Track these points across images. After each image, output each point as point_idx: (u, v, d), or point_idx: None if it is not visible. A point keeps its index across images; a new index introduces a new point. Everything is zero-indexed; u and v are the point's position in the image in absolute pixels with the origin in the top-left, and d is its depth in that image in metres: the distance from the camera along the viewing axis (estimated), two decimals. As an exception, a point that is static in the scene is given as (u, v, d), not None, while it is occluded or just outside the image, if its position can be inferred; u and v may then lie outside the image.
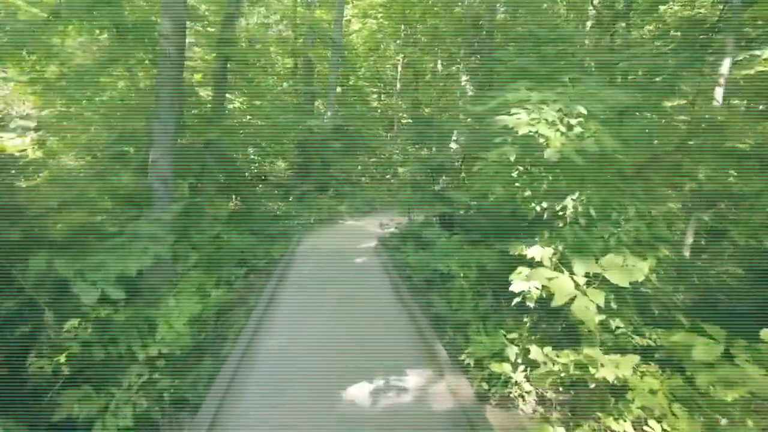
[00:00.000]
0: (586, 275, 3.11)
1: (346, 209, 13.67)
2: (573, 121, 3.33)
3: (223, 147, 7.37)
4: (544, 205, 3.98)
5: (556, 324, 4.30)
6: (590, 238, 3.71)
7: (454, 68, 18.63)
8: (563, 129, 3.30)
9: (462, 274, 5.77)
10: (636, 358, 3.23)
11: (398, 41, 24.52)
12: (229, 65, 8.85)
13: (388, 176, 19.23)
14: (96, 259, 2.85)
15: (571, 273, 3.52)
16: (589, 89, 3.90)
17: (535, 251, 3.83)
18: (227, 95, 9.22)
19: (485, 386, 4.13)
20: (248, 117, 9.57)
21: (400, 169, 19.76)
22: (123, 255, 3.05)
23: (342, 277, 7.08)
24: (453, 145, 12.68)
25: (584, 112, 3.39)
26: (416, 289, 7.04)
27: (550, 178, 4.10)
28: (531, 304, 3.92)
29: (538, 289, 3.66)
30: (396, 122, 24.42)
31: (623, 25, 8.98)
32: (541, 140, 3.31)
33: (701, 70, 5.80)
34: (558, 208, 3.92)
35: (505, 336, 4.40)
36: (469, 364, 4.40)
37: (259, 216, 9.10)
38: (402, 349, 4.70)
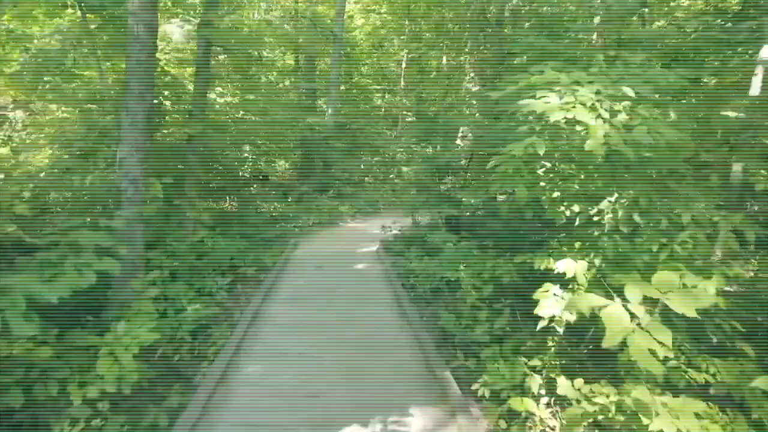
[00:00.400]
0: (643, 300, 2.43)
1: (347, 211, 13.02)
2: (618, 106, 2.65)
3: (209, 144, 6.75)
4: (576, 208, 3.30)
5: (588, 349, 3.62)
6: (634, 250, 3.03)
7: (462, 58, 17.87)
8: (605, 114, 2.62)
9: (473, 286, 5.10)
10: (700, 406, 2.55)
11: (402, 37, 23.87)
12: (221, 57, 8.25)
13: (391, 176, 18.56)
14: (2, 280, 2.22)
15: (607, 293, 2.85)
16: (631, 69, 3.22)
17: (566, 265, 3.15)
18: (218, 89, 8.60)
19: (503, 425, 3.46)
20: (241, 112, 8.94)
21: (404, 169, 19.11)
22: (50, 274, 2.42)
23: (338, 288, 6.42)
24: (459, 143, 12.02)
25: (631, 94, 2.71)
26: (421, 300, 6.38)
27: (582, 176, 3.42)
28: (560, 329, 3.25)
29: (571, 313, 2.99)
30: (400, 120, 23.75)
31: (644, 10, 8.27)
32: (579, 129, 2.63)
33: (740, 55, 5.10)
34: (593, 212, 3.24)
35: (526, 364, 3.73)
36: (483, 396, 3.74)
37: (253, 218, 8.47)
38: (404, 379, 4.03)
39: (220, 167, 7.23)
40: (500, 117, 7.80)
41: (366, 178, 17.39)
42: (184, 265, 5.46)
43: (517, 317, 4.58)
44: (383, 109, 25.26)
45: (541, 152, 2.77)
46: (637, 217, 3.01)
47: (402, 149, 18.36)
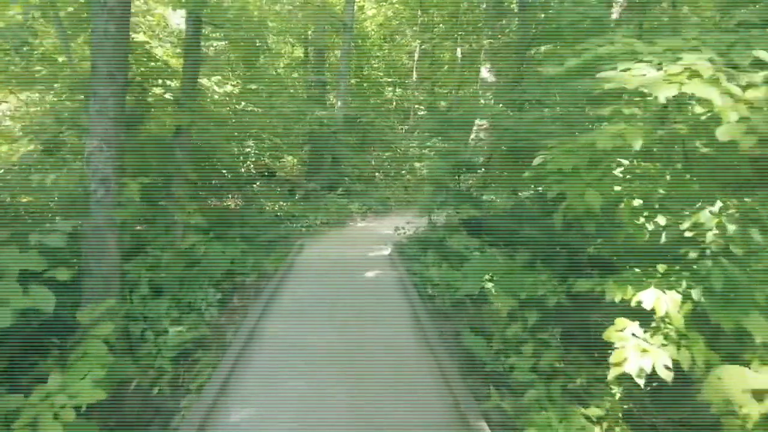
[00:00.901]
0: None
1: (357, 209, 12.25)
2: (757, 77, 1.82)
3: (204, 137, 6.02)
4: (661, 221, 2.48)
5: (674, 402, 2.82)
6: (752, 279, 2.21)
7: (477, 46, 16.92)
8: (735, 90, 1.80)
9: (505, 306, 4.29)
10: None
11: (415, 28, 22.96)
12: (220, 43, 7.52)
13: (403, 172, 17.74)
14: None
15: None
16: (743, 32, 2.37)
17: (652, 298, 2.34)
18: (217, 77, 7.86)
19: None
20: (243, 104, 8.21)
21: (417, 165, 18.27)
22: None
23: (347, 302, 5.64)
24: (474, 137, 11.17)
25: None
26: (441, 314, 5.60)
27: (668, 177, 2.58)
28: (641, 382, 2.44)
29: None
30: (412, 114, 22.89)
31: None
32: (700, 109, 1.81)
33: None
34: (686, 226, 2.42)
35: (585, 417, 2.93)
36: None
37: (255, 219, 7.75)
38: (427, 425, 3.26)
39: (218, 163, 6.51)
40: (524, 106, 6.96)
41: (377, 174, 16.58)
42: (170, 277, 4.74)
43: (564, 346, 3.77)
44: (394, 103, 24.40)
45: (637, 145, 1.95)
46: (757, 235, 2.18)
47: (415, 144, 17.51)
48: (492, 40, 10.90)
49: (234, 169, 7.85)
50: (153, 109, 5.00)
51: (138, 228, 4.94)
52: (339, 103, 14.74)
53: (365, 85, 24.12)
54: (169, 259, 4.78)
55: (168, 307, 4.32)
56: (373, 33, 23.81)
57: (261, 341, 4.43)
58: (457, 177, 8.06)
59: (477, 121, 10.73)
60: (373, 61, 24.56)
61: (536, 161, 3.02)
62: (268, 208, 9.88)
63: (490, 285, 5.20)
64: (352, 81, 21.26)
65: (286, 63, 21.49)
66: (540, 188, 4.96)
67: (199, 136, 6.09)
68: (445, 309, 5.74)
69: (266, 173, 12.80)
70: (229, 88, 7.92)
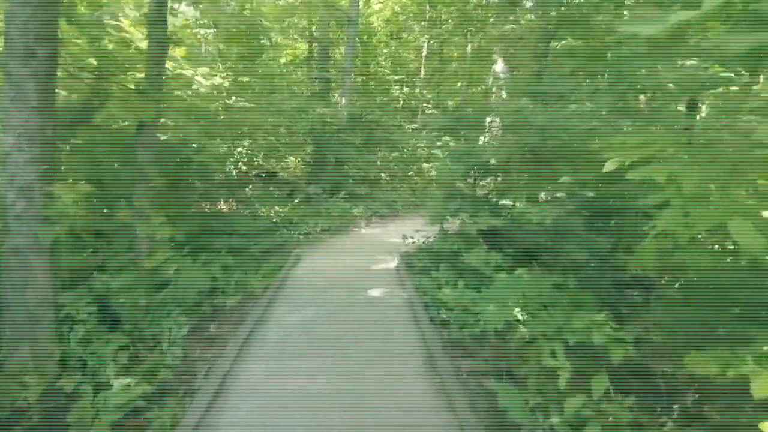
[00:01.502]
0: None
1: (360, 213, 11.34)
2: None
3: (180, 135, 5.15)
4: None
5: None
6: None
7: (488, 40, 15.98)
8: None
9: (544, 353, 3.34)
10: None
11: (423, 23, 22.04)
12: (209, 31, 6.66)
13: (410, 173, 16.81)
14: None
15: None
16: None
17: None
18: (204, 69, 6.97)
19: None
20: (233, 98, 7.33)
21: (425, 165, 17.34)
22: None
23: (344, 335, 4.70)
24: (489, 136, 10.22)
25: None
26: (459, 346, 4.68)
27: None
28: None
29: None
30: (420, 112, 21.95)
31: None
32: None
33: None
34: None
35: None
36: None
37: (246, 227, 6.86)
38: None
39: (199, 165, 5.62)
40: (552, 101, 5.99)
41: (383, 175, 15.65)
42: (128, 307, 3.84)
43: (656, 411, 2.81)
44: (401, 101, 23.47)
45: None
46: None
47: (423, 144, 16.55)
48: (513, 26, 9.91)
49: (221, 172, 6.96)
50: (112, 100, 4.11)
51: (86, 246, 4.06)
52: (343, 100, 13.84)
53: (371, 83, 23.23)
54: (126, 283, 3.88)
55: (119, 347, 3.42)
56: (379, 29, 22.92)
57: (235, 392, 3.51)
58: (473, 181, 7.11)
59: (490, 119, 9.78)
60: (380, 58, 23.67)
61: (609, 166, 2.10)
62: (263, 213, 8.99)
63: (522, 316, 4.28)
64: (358, 79, 20.40)
65: (290, 59, 20.68)
66: (590, 194, 4.01)
67: (174, 133, 5.21)
68: (463, 341, 4.81)
69: (264, 175, 11.93)
70: (218, 80, 7.02)
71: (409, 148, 17.04)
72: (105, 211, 4.33)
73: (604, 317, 3.10)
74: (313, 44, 18.80)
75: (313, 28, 18.83)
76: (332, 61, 18.13)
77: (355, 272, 7.03)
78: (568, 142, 4.84)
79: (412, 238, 8.21)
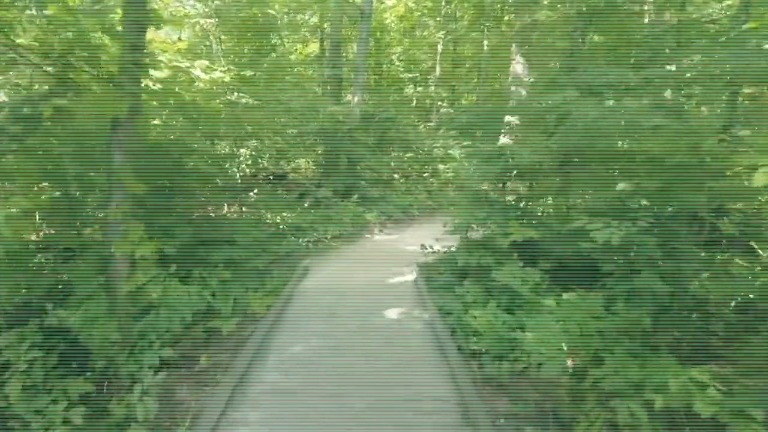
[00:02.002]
0: None
1: (374, 218, 10.58)
2: None
3: (168, 135, 4.46)
4: None
5: None
6: None
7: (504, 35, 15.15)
8: None
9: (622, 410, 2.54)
10: None
11: (438, 19, 21.24)
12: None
13: (425, 174, 16.02)
14: None
15: None
16: None
17: None
18: (203, 62, 6.29)
19: None
20: (235, 93, 6.64)
21: (441, 166, 16.55)
22: None
23: (356, 374, 3.93)
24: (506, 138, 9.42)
25: None
26: (495, 386, 3.92)
27: None
28: None
29: None
30: (435, 112, 21.14)
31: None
32: None
33: None
34: None
35: None
36: None
37: (249, 236, 6.15)
38: None
39: (192, 168, 4.94)
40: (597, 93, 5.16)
41: (395, 176, 14.87)
42: (97, 342, 3.15)
43: None
44: (415, 100, 22.67)
45: None
46: None
47: (440, 144, 15.75)
48: (549, 12, 9.07)
49: (220, 176, 6.25)
50: (84, 94, 3.44)
51: (42, 270, 3.37)
52: (355, 98, 13.10)
53: (384, 84, 22.48)
54: (94, 313, 3.19)
55: (79, 397, 2.72)
56: (393, 26, 22.17)
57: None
58: (502, 185, 6.31)
59: (510, 119, 8.98)
60: (393, 56, 22.91)
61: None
62: (269, 220, 8.30)
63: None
64: (370, 77, 19.68)
65: (302, 58, 20.07)
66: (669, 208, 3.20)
67: (162, 133, 4.53)
68: (499, 377, 4.03)
69: (272, 177, 11.26)
70: (218, 74, 6.33)
71: (425, 148, 16.25)
72: (78, 224, 3.66)
73: (708, 374, 2.29)
74: (325, 42, 18.18)
75: (325, 25, 18.17)
76: (344, 59, 17.43)
77: (369, 288, 6.27)
78: (631, 141, 4.02)
79: (432, 248, 7.42)
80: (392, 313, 5.35)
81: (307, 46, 20.51)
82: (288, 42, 16.95)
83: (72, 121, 3.45)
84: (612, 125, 4.21)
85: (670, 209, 4.05)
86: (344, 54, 18.10)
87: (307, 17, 19.62)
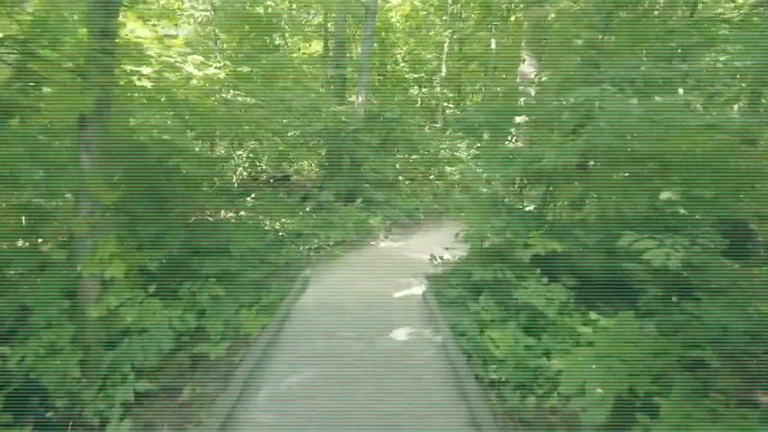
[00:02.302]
0: None
1: (378, 224, 10.07)
2: None
3: (151, 134, 3.97)
4: None
5: None
6: None
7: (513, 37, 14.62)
8: None
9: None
10: None
11: (444, 18, 20.74)
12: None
13: (431, 176, 15.52)
14: None
15: None
16: None
17: None
18: (198, 57, 5.80)
19: None
20: (231, 91, 6.16)
21: (448, 168, 16.04)
22: None
23: (359, 415, 3.41)
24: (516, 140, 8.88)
25: None
26: (520, 424, 3.41)
27: None
28: None
29: None
30: (440, 112, 20.63)
31: None
32: None
33: None
34: None
35: None
36: None
37: (244, 244, 5.65)
38: None
39: (178, 171, 4.44)
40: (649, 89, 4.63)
41: (400, 178, 14.35)
42: (56, 377, 2.66)
43: None
44: (419, 101, 22.15)
45: None
46: None
47: (446, 144, 15.22)
48: (570, 2, 8.54)
49: (212, 178, 5.75)
50: (46, 85, 2.96)
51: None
52: (360, 98, 12.60)
53: (389, 85, 21.96)
54: (52, 345, 2.69)
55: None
56: (398, 25, 21.69)
57: None
58: (520, 190, 5.78)
59: (518, 118, 8.44)
60: (398, 56, 22.42)
61: None
62: (267, 226, 7.80)
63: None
64: (375, 77, 19.18)
65: (305, 57, 19.60)
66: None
67: (145, 131, 4.03)
68: (525, 414, 3.50)
69: (272, 180, 10.77)
70: (212, 70, 5.84)
71: (431, 150, 15.73)
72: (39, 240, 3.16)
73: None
74: (329, 41, 17.72)
75: (329, 25, 17.70)
76: (349, 58, 16.94)
77: (373, 304, 5.73)
78: (674, 142, 3.50)
79: (442, 258, 6.90)
80: (400, 334, 4.82)
81: (310, 45, 20.04)
82: (291, 40, 16.46)
83: (32, 117, 2.96)
84: (654, 124, 3.69)
85: (718, 220, 3.52)
86: (348, 53, 17.62)
87: (310, 16, 19.20)
